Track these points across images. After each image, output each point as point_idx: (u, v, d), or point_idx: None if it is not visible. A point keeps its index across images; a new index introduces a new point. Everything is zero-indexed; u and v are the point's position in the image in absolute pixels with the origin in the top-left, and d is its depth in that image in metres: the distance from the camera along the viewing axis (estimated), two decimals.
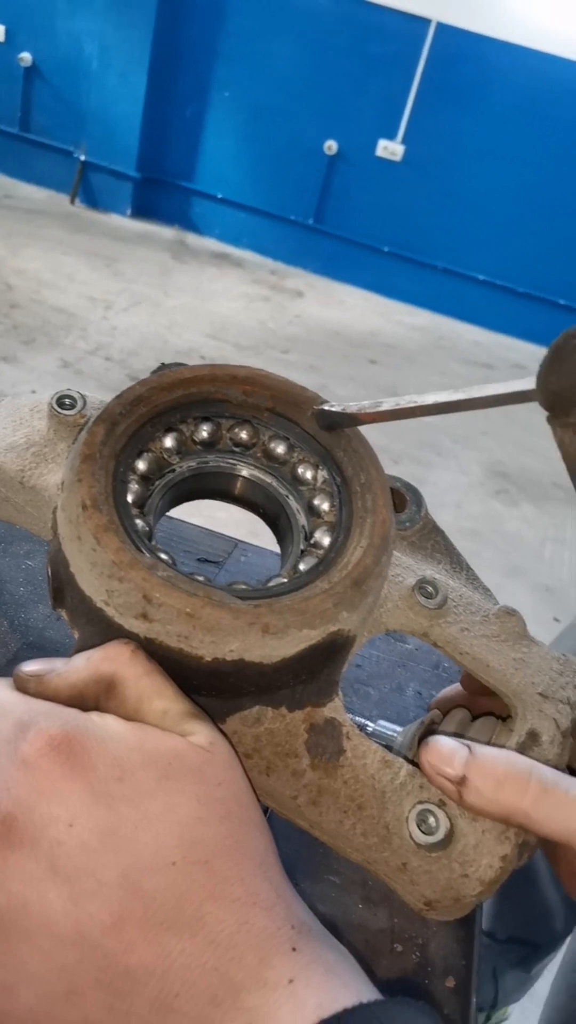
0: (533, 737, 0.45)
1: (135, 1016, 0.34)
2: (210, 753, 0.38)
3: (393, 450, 3.71)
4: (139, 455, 0.47)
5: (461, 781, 0.42)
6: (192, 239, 5.83)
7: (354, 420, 0.46)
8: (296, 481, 0.49)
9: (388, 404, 0.43)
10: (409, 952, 0.51)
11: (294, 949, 0.35)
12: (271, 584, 0.44)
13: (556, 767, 0.45)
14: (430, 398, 0.41)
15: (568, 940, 1.02)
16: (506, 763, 0.42)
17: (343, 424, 0.47)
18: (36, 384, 3.49)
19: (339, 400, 0.47)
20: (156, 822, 0.35)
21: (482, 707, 0.51)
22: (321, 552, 0.45)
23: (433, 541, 0.55)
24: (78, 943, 0.33)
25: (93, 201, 5.82)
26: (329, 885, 0.54)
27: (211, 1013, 0.33)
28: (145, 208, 5.84)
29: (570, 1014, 0.95)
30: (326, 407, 0.47)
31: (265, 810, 0.56)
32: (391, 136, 5.29)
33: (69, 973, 0.33)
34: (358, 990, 0.34)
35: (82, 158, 5.65)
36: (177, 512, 0.87)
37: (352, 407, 0.46)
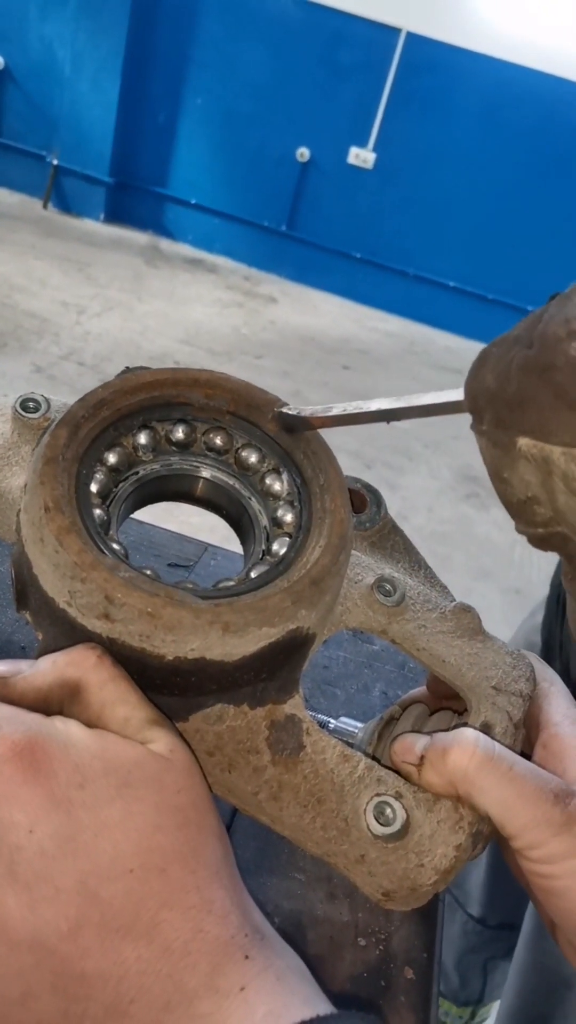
0: (486, 728, 0.47)
1: (89, 1020, 0.34)
2: (169, 761, 0.38)
3: (365, 455, 3.74)
4: (110, 448, 0.47)
5: (420, 762, 0.44)
6: (165, 244, 5.83)
7: (307, 424, 0.47)
8: (265, 493, 0.50)
9: (337, 409, 0.45)
10: (372, 946, 0.52)
11: (247, 957, 0.35)
12: (221, 585, 0.44)
13: None
14: (374, 404, 0.43)
15: (527, 917, 1.02)
16: (453, 735, 0.44)
17: (298, 427, 0.48)
18: (8, 389, 3.45)
19: (311, 405, 0.48)
20: (115, 830, 0.35)
21: (450, 701, 0.53)
22: (276, 559, 0.46)
23: (393, 541, 0.56)
24: (34, 948, 0.34)
25: (66, 206, 5.80)
26: (294, 882, 0.54)
27: (164, 1019, 0.34)
28: (118, 213, 5.83)
29: (535, 993, 0.96)
30: (284, 410, 0.48)
31: (233, 812, 0.57)
32: (362, 144, 5.34)
33: (25, 977, 0.34)
34: (306, 997, 0.35)
35: (55, 163, 5.63)
36: (150, 517, 0.87)
37: (306, 411, 0.47)
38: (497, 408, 0.34)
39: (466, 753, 0.42)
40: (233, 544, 0.85)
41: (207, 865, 0.37)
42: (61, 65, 5.41)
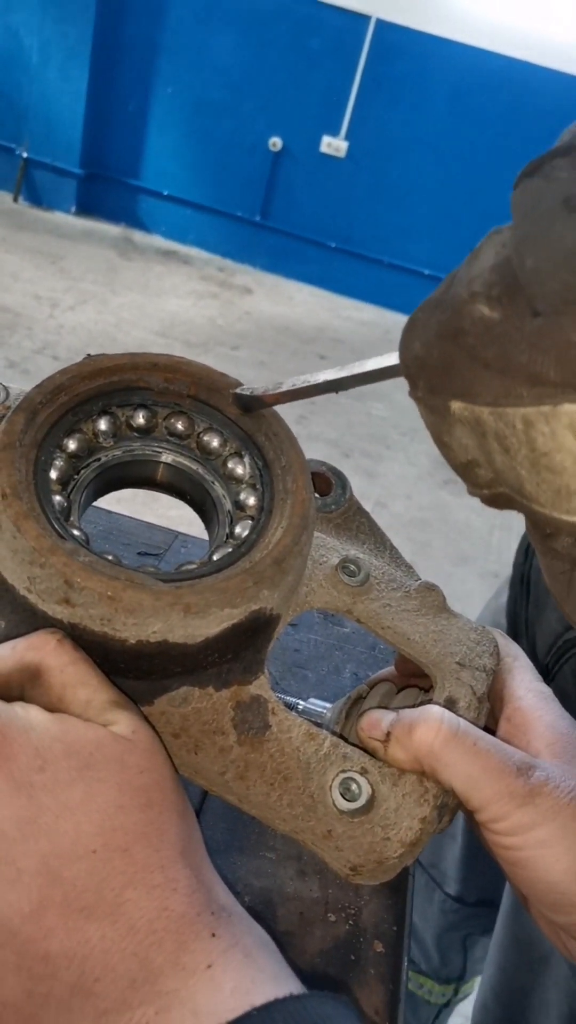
0: (451, 703, 0.47)
1: (54, 999, 0.34)
2: (132, 742, 0.38)
3: (344, 444, 3.74)
4: (70, 434, 0.47)
5: (386, 738, 0.44)
6: (138, 236, 5.79)
7: (260, 402, 0.47)
8: (228, 476, 0.50)
9: (287, 385, 0.45)
10: (342, 921, 0.53)
11: (213, 935, 0.36)
12: (183, 569, 0.45)
13: None
14: (321, 376, 0.43)
15: (505, 894, 1.04)
16: (419, 711, 0.45)
17: (254, 406, 0.48)
18: None
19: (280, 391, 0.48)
20: (76, 811, 0.36)
21: (417, 680, 0.53)
22: (238, 542, 0.47)
23: (358, 522, 0.56)
24: None
25: (36, 198, 5.73)
26: (265, 861, 0.55)
27: (129, 997, 0.34)
28: (90, 205, 5.77)
29: (515, 967, 0.97)
30: (238, 391, 0.49)
31: (204, 794, 0.58)
32: (334, 132, 5.32)
33: None
34: (275, 974, 0.36)
35: (24, 155, 5.56)
36: (127, 510, 0.87)
37: (259, 389, 0.47)
38: (427, 374, 0.34)
39: (432, 729, 0.43)
40: (206, 534, 0.85)
41: (171, 844, 0.37)
42: (28, 54, 5.34)
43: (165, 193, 5.74)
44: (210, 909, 0.36)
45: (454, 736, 0.43)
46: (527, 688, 0.50)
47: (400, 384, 0.37)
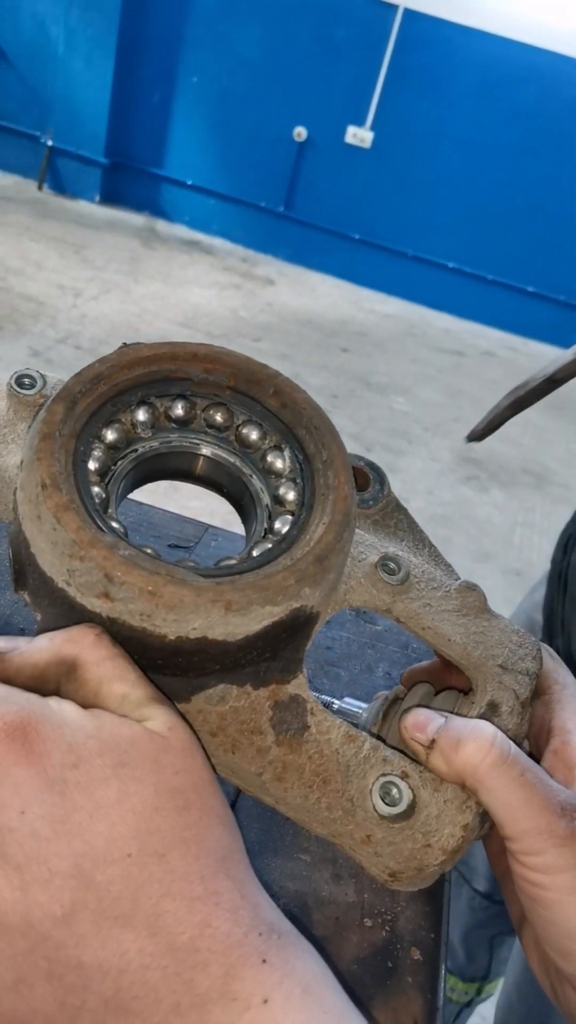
0: (493, 708, 0.46)
1: (88, 1013, 0.33)
2: (167, 740, 0.37)
3: (365, 438, 3.72)
4: (108, 425, 0.46)
5: (430, 745, 0.43)
6: (162, 226, 5.78)
7: (490, 428, 0.47)
8: (267, 470, 0.49)
9: (505, 400, 0.44)
10: (379, 927, 0.52)
11: (264, 961, 0.33)
12: (223, 564, 0.44)
13: (515, 736, 0.45)
14: (531, 382, 0.41)
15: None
16: (471, 727, 0.43)
17: (488, 433, 0.47)
18: (5, 373, 3.44)
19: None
20: (110, 811, 0.34)
21: (455, 680, 0.52)
22: (278, 538, 0.45)
23: (396, 519, 0.55)
24: (27, 933, 0.33)
25: (61, 187, 5.74)
26: (299, 863, 0.54)
27: (173, 1022, 0.32)
28: (114, 194, 5.78)
29: (532, 994, 0.96)
30: (475, 431, 0.48)
31: (237, 793, 0.57)
32: (360, 123, 5.28)
33: (17, 963, 0.33)
34: (340, 1013, 0.33)
35: (49, 143, 5.57)
36: (149, 500, 0.86)
37: (489, 418, 0.46)
38: None
39: (481, 750, 0.42)
40: (233, 527, 0.84)
41: (211, 853, 0.35)
42: (54, 43, 5.34)
43: (189, 183, 5.73)
44: (257, 929, 0.34)
45: (503, 762, 0.41)
46: None
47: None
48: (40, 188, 5.69)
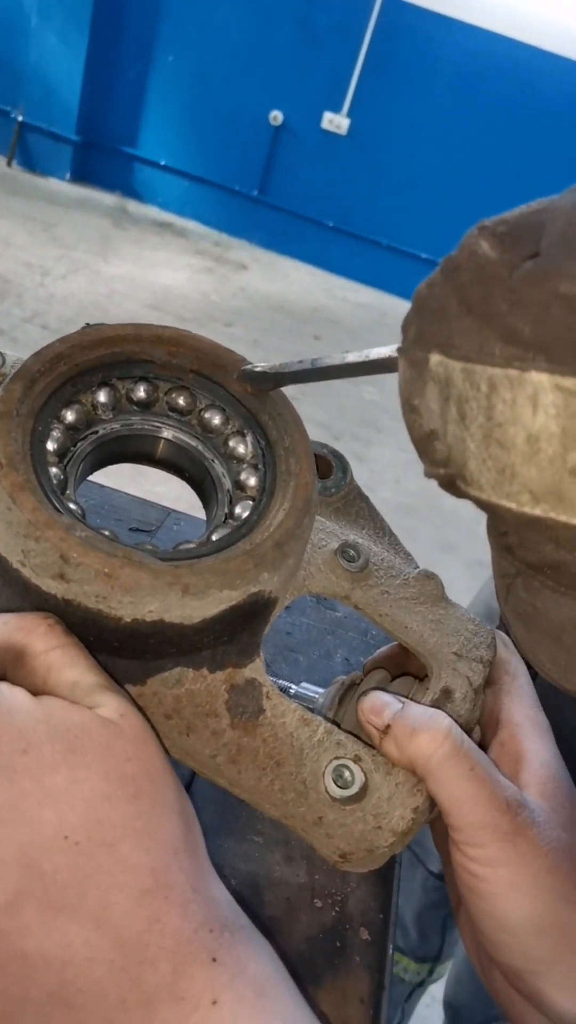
0: (447, 694, 0.47)
1: (31, 1004, 0.32)
2: (118, 726, 0.36)
3: (334, 427, 3.73)
4: (68, 405, 0.46)
5: (385, 730, 0.43)
6: (134, 206, 5.70)
7: (269, 379, 0.46)
8: (229, 455, 0.49)
9: (294, 366, 0.44)
10: (329, 908, 0.53)
11: (215, 960, 0.33)
12: (182, 548, 0.44)
13: (467, 723, 0.46)
14: (327, 360, 0.42)
15: None
16: (427, 717, 0.43)
17: (262, 384, 0.47)
18: None
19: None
20: (59, 798, 0.34)
21: (413, 666, 0.52)
22: (238, 522, 0.46)
23: (358, 507, 0.55)
24: None
25: (31, 164, 5.63)
26: (252, 845, 0.55)
27: (118, 1019, 0.32)
28: (85, 173, 5.68)
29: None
30: (247, 368, 0.47)
31: (192, 775, 0.57)
32: (336, 109, 5.25)
33: None
34: (289, 1016, 0.33)
35: (20, 119, 5.45)
36: (113, 484, 0.86)
37: (267, 367, 0.46)
38: (420, 317, 0.31)
39: (435, 742, 0.42)
40: (197, 512, 0.84)
41: (163, 844, 0.35)
42: (27, 16, 5.22)
43: (162, 163, 5.65)
44: (208, 926, 0.34)
45: (455, 754, 0.42)
46: (525, 715, 0.48)
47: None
48: (9, 164, 5.58)
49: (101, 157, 5.67)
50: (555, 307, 0.26)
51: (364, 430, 3.84)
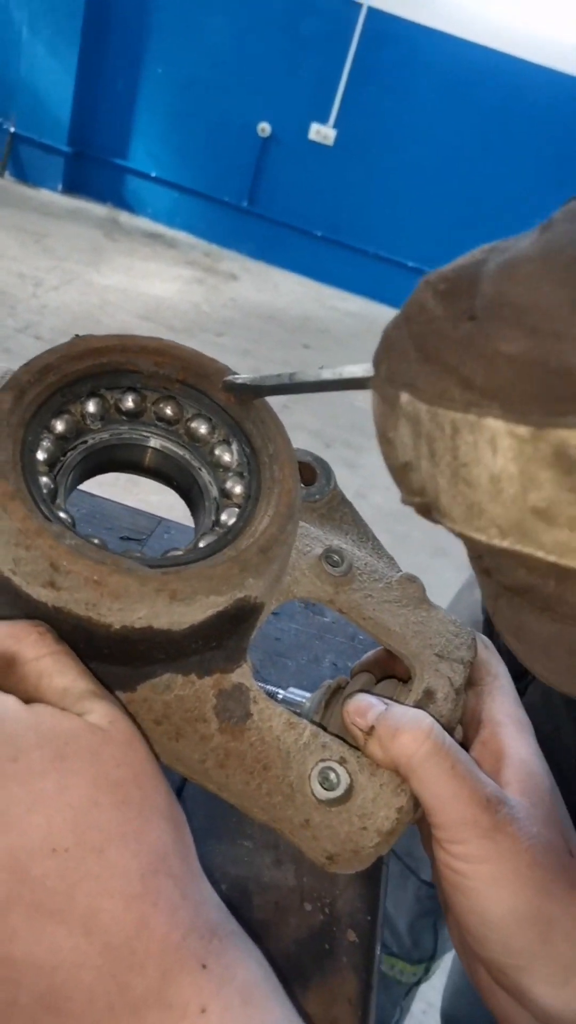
0: (429, 695, 0.48)
1: (21, 1009, 0.33)
2: (108, 733, 0.37)
3: (325, 434, 3.74)
4: (58, 415, 0.47)
5: (369, 731, 0.44)
6: (125, 217, 5.72)
7: (251, 390, 0.47)
8: (215, 464, 0.50)
9: (273, 379, 0.45)
10: (317, 910, 0.53)
11: (204, 966, 0.33)
12: (169, 555, 0.44)
13: (449, 722, 0.47)
14: (310, 375, 0.43)
15: None
16: (409, 717, 0.44)
17: (244, 394, 0.48)
18: None
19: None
20: (48, 804, 0.34)
21: (398, 669, 0.53)
22: (224, 529, 0.46)
23: (341, 513, 0.56)
24: None
25: (22, 175, 5.65)
26: (242, 849, 0.55)
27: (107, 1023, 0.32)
28: (76, 184, 5.70)
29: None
30: (229, 378, 0.48)
31: (183, 780, 0.58)
32: (323, 120, 5.29)
33: None
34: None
35: (11, 130, 5.47)
36: (108, 494, 0.86)
37: (249, 378, 0.47)
38: (389, 357, 0.33)
39: (416, 741, 0.42)
40: (189, 521, 0.85)
41: (151, 849, 0.35)
42: (17, 28, 5.25)
43: (153, 175, 5.68)
44: (197, 932, 0.34)
45: (436, 753, 0.42)
46: (507, 714, 0.49)
47: None
48: (1, 175, 5.59)
49: (92, 168, 5.69)
50: (499, 362, 0.28)
51: (356, 437, 3.86)
